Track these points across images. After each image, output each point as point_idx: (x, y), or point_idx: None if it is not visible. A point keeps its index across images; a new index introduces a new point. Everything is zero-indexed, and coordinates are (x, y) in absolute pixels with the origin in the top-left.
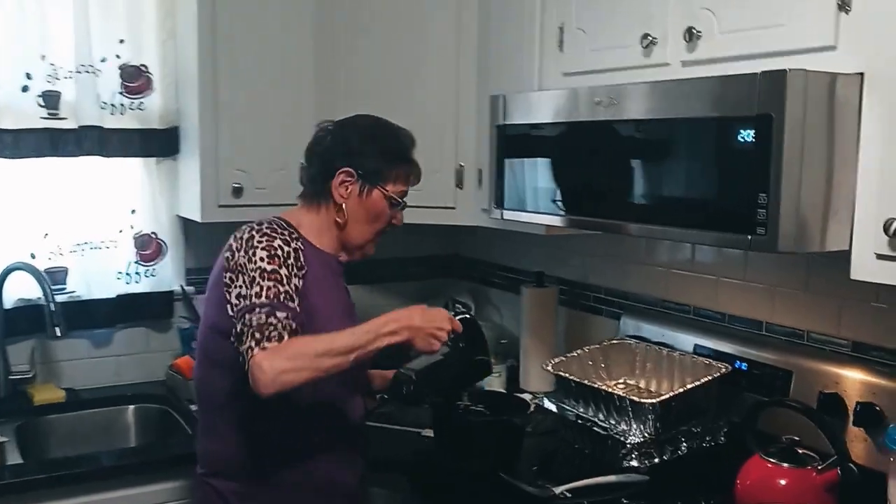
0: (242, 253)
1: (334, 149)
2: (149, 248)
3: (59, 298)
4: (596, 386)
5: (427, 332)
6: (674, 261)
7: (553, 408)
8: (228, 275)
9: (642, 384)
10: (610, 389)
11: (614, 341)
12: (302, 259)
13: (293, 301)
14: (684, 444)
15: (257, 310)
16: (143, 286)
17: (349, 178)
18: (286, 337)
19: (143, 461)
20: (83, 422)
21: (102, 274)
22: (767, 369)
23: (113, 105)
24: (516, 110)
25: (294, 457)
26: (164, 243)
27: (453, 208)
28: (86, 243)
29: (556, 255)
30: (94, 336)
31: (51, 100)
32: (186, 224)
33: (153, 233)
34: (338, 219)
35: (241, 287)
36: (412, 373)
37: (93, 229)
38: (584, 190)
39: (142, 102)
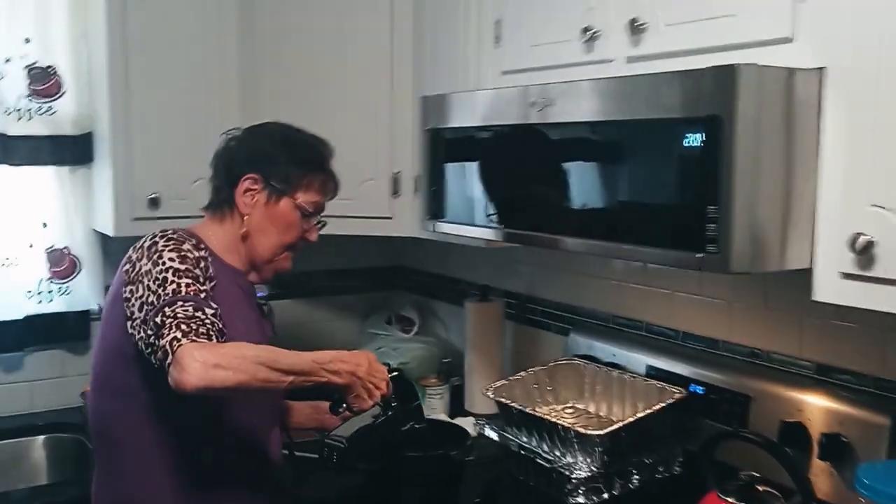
0: (146, 260)
1: (240, 155)
2: (62, 265)
3: None
4: (538, 415)
5: (365, 386)
6: (627, 274)
7: (495, 436)
8: (129, 287)
9: (591, 408)
10: (553, 419)
11: (561, 362)
12: (211, 270)
13: (215, 304)
14: (636, 476)
15: (180, 303)
16: (56, 305)
17: (255, 186)
18: (215, 338)
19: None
20: None
21: (9, 293)
22: (725, 394)
23: (18, 110)
24: (450, 112)
25: (201, 495)
26: (79, 259)
27: (390, 218)
28: None
29: (503, 266)
30: (1, 360)
31: None
32: (105, 238)
33: (66, 248)
34: (242, 229)
35: (147, 293)
36: (341, 439)
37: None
38: (518, 201)
39: (51, 107)
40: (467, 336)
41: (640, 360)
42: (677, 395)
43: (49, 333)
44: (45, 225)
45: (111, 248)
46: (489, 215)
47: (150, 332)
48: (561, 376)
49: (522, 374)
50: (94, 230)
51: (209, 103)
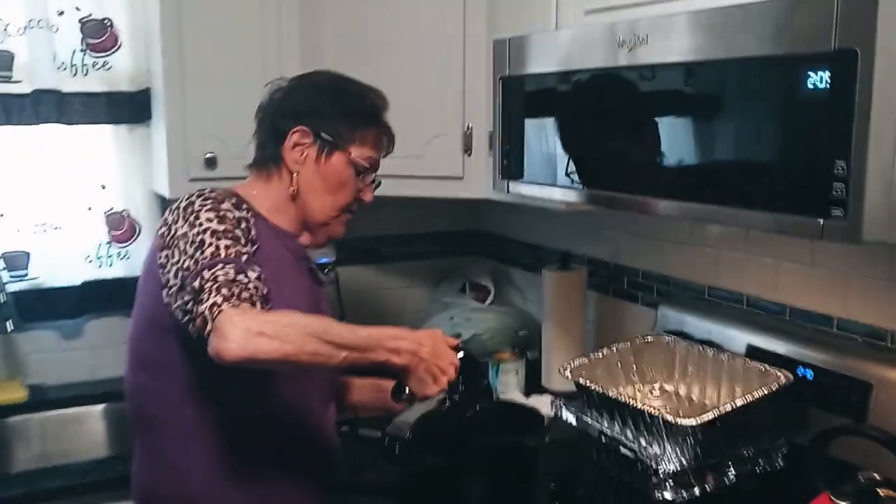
0: (181, 222)
1: (287, 107)
2: (121, 228)
3: (19, 286)
4: (622, 399)
5: (428, 369)
6: (725, 240)
7: (573, 420)
8: (164, 252)
9: (682, 391)
10: (640, 405)
11: (649, 339)
12: (253, 232)
13: (259, 267)
14: (732, 470)
15: (220, 265)
16: (116, 270)
17: (304, 140)
18: (259, 305)
19: (114, 478)
20: (46, 424)
21: (69, 258)
22: (839, 380)
23: (73, 65)
24: (526, 57)
25: (245, 478)
26: (138, 222)
27: (461, 179)
28: (49, 223)
29: (585, 230)
30: (62, 327)
31: (1, 61)
32: (164, 201)
33: (125, 210)
34: (291, 188)
35: (183, 258)
36: (405, 429)
37: (57, 208)
38: (603, 158)
39: (107, 62)
40: (545, 307)
41: (739, 338)
42: (783, 380)
43: (108, 299)
44: (103, 187)
45: None
46: (570, 174)
47: (187, 297)
48: (648, 354)
49: (604, 351)
50: (154, 192)
51: (267, 58)
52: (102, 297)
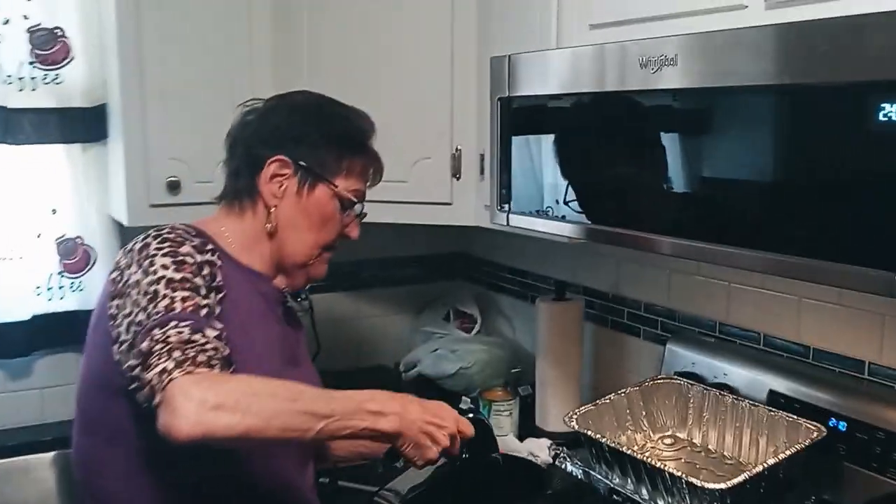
0: (135, 267)
1: (263, 132)
2: (74, 257)
3: None
4: (638, 457)
5: (423, 430)
6: (738, 273)
7: (579, 474)
8: (116, 301)
9: (697, 439)
10: (659, 464)
11: (659, 380)
12: (219, 278)
13: (219, 323)
14: None
15: (174, 323)
16: (67, 303)
17: (284, 171)
18: (218, 368)
19: None
20: None
21: (15, 290)
22: (876, 432)
23: (21, 78)
24: (527, 77)
25: None
26: (93, 250)
27: (449, 204)
28: None
29: (581, 257)
30: (7, 366)
31: None
32: (122, 227)
33: (79, 237)
34: (268, 224)
35: (136, 310)
36: (395, 498)
37: (2, 235)
38: (613, 191)
39: (58, 75)
40: (539, 340)
41: (758, 382)
42: (815, 434)
43: (60, 335)
44: (54, 212)
45: (129, 239)
46: (570, 204)
47: (135, 362)
48: (659, 399)
49: (612, 396)
50: (111, 217)
51: (237, 73)
52: (53, 332)
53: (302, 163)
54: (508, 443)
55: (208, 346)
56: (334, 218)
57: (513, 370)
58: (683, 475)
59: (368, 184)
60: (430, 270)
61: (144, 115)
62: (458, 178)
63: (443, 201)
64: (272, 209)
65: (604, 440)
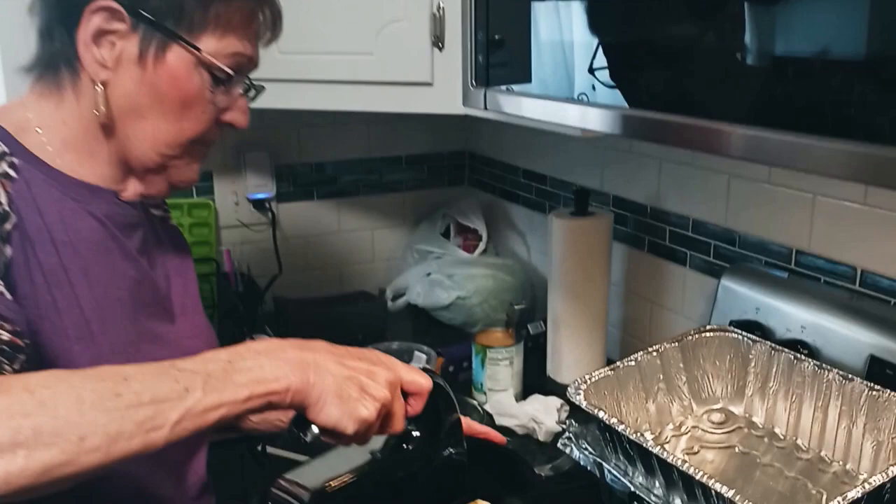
0: None
1: None
2: None
3: None
4: (671, 462)
5: (344, 377)
6: (826, 183)
7: (586, 463)
8: None
9: (758, 417)
10: (713, 484)
11: (708, 332)
12: (4, 202)
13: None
14: None
15: None
16: None
17: (115, 26)
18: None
19: None
20: None
21: None
22: None
23: None
24: None
25: None
26: None
27: (430, 85)
28: None
29: (611, 157)
30: None
31: None
32: None
33: None
34: (96, 111)
35: None
36: (305, 494)
37: None
38: (671, 60)
39: None
40: (554, 265)
41: (853, 341)
42: None
43: None
44: None
45: None
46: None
47: None
48: (706, 358)
49: (638, 357)
50: None
51: None
52: None
53: (143, 11)
54: (504, 406)
55: None
56: (201, 98)
57: (517, 306)
58: (737, 499)
59: (260, 41)
60: (426, 174)
61: None
62: (440, 48)
63: (421, 81)
64: (99, 88)
65: (625, 430)
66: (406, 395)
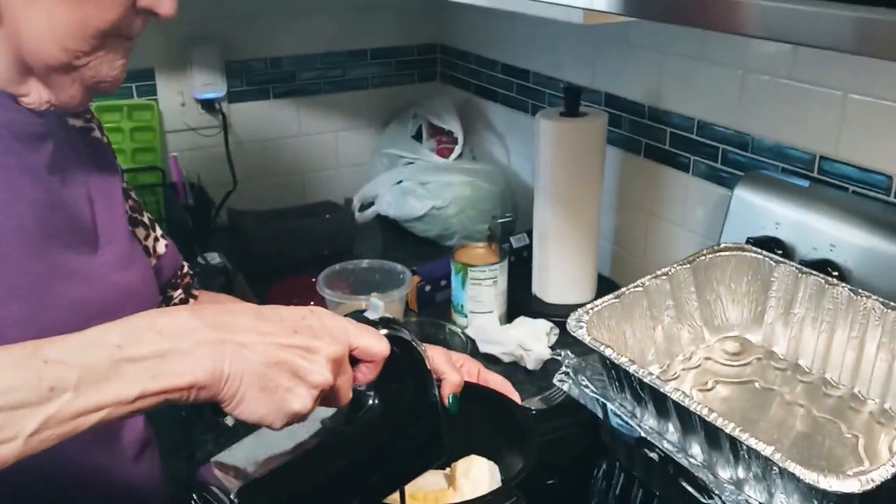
0: None
1: None
2: None
3: None
4: (693, 409)
5: (270, 361)
6: (858, 78)
7: (587, 402)
8: None
9: (780, 348)
10: (739, 436)
11: (723, 251)
12: None
13: None
14: None
15: None
16: None
17: None
18: None
19: None
20: None
21: None
22: None
23: None
24: None
25: None
26: None
27: None
28: None
29: (604, 47)
30: None
31: None
32: None
33: None
34: None
35: None
36: (236, 484)
37: None
38: None
39: None
40: (541, 172)
41: (892, 261)
42: None
43: None
44: None
45: None
46: None
47: None
48: (721, 280)
49: (645, 281)
50: None
51: None
52: None
53: None
54: (489, 332)
55: None
56: None
57: (500, 219)
58: (779, 460)
59: None
60: (394, 69)
61: None
62: None
63: None
64: None
65: (636, 371)
66: (358, 361)
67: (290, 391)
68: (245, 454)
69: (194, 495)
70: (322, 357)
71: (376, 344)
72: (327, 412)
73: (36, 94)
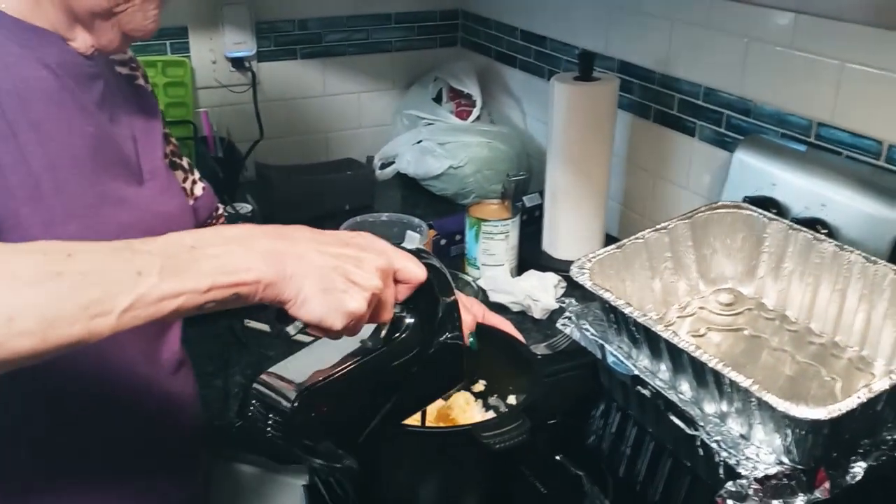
0: None
1: None
2: None
3: None
4: (682, 347)
5: (327, 266)
6: (854, 48)
7: (587, 344)
8: None
9: (769, 300)
10: (713, 365)
11: (720, 208)
12: None
13: None
14: (859, 464)
15: None
16: None
17: None
18: None
19: None
20: None
21: None
22: None
23: None
24: None
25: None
26: None
27: None
28: None
29: (617, 16)
30: None
31: None
32: None
33: None
34: None
35: None
36: (292, 390)
37: None
38: None
39: None
40: (554, 134)
41: (880, 221)
42: None
43: None
44: None
45: None
46: None
47: None
48: (717, 236)
49: (646, 234)
50: None
51: None
52: None
53: None
54: (499, 282)
55: None
56: None
57: (514, 177)
58: (755, 391)
59: None
60: (417, 34)
61: None
62: None
63: None
64: None
65: (632, 313)
66: (397, 282)
67: (346, 293)
68: (295, 367)
69: (254, 400)
70: (371, 266)
71: (415, 267)
72: (366, 332)
73: (82, 40)
